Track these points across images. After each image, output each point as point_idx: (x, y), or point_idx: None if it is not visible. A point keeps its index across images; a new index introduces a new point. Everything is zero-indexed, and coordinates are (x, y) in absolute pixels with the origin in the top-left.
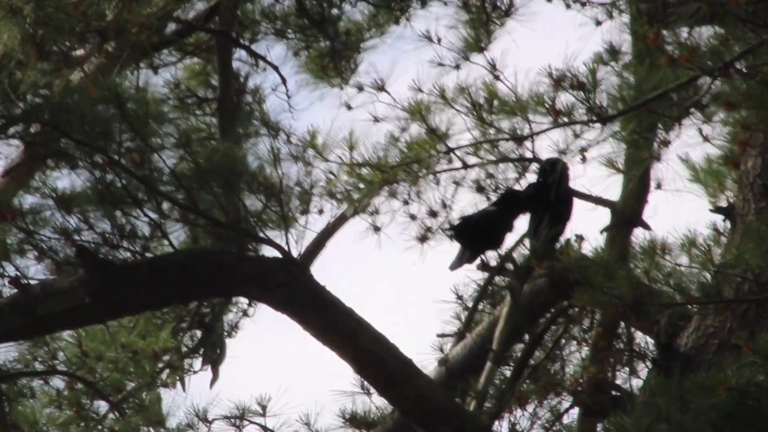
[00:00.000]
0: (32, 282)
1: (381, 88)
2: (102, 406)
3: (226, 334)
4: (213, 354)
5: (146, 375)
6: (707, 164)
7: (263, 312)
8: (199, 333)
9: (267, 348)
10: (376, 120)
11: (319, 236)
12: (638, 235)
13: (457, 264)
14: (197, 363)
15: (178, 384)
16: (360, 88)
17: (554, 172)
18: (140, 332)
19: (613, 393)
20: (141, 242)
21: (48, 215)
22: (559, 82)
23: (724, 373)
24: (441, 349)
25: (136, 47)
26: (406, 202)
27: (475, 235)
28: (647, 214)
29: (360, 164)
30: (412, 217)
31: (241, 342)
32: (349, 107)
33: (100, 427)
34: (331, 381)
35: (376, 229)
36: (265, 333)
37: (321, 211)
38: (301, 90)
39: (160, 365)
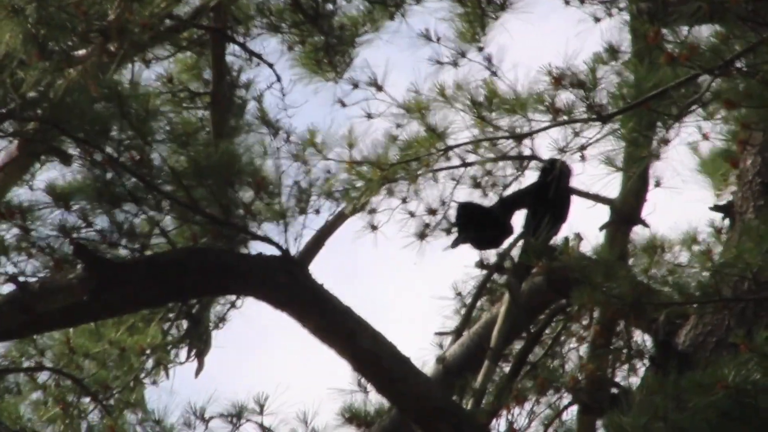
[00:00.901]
0: (30, 279)
1: (380, 87)
2: (88, 402)
3: (212, 325)
4: (199, 345)
5: (133, 371)
6: (713, 157)
7: (263, 311)
8: (184, 324)
9: (266, 346)
10: (370, 117)
11: (318, 234)
12: (637, 233)
13: (457, 242)
14: (182, 354)
15: (165, 378)
16: (355, 85)
17: (554, 170)
18: (128, 327)
19: (612, 391)
20: (140, 240)
21: (44, 212)
22: (558, 80)
23: (721, 372)
24: (439, 347)
25: (136, 46)
26: (404, 200)
27: (474, 223)
28: (646, 212)
29: (359, 162)
30: (411, 214)
31: (241, 341)
32: (343, 104)
33: (85, 423)
34: (329, 379)
35: (373, 227)
36: (263, 331)
37: (317, 211)
38: (295, 84)
39: (147, 360)
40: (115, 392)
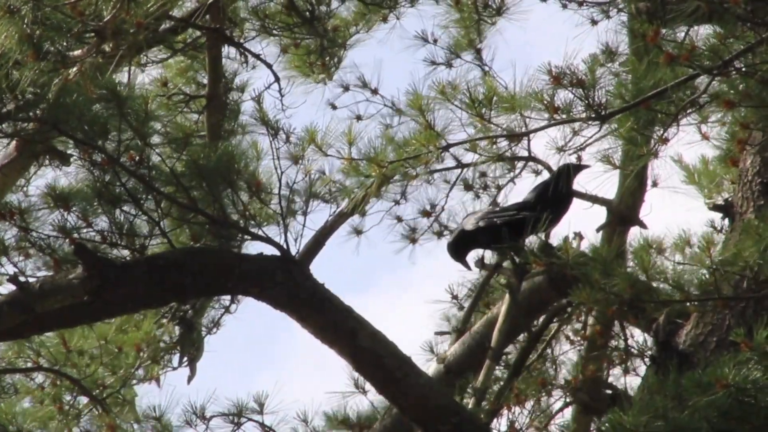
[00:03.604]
0: (31, 280)
1: (375, 91)
2: (85, 401)
3: (205, 330)
4: (191, 351)
5: (129, 368)
6: (703, 165)
7: (263, 310)
8: (177, 329)
9: (266, 346)
10: (359, 118)
11: (318, 234)
12: (635, 233)
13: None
14: (175, 360)
15: (158, 386)
16: (346, 88)
17: (561, 173)
18: (120, 327)
19: (612, 391)
20: (139, 240)
21: (44, 213)
22: (557, 79)
23: (722, 371)
24: (439, 347)
25: (132, 46)
26: (396, 203)
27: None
28: (644, 212)
29: (358, 159)
30: (398, 219)
31: (240, 340)
32: (334, 107)
33: (79, 422)
34: (330, 378)
35: (358, 232)
36: (264, 330)
37: (310, 211)
38: (287, 86)
39: (143, 357)
40: (111, 390)
